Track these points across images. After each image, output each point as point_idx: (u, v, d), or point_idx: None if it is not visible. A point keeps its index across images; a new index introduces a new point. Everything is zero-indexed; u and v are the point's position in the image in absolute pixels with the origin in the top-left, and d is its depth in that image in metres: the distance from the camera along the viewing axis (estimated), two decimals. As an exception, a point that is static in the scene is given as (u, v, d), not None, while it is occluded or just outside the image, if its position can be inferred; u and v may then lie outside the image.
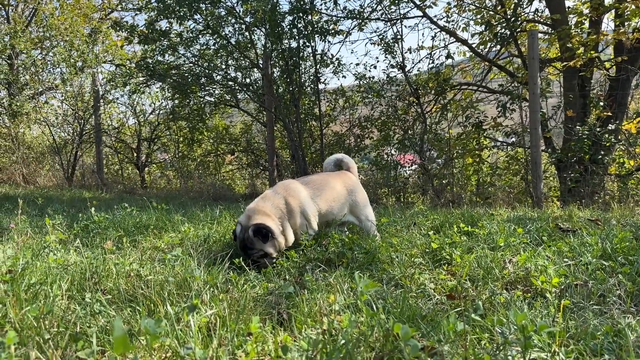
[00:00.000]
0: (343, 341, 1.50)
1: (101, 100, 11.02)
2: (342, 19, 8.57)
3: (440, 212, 4.70)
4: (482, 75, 8.84)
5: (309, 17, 7.97)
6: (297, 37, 7.99)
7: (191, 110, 10.26)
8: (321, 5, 8.26)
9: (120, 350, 1.17)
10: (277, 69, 8.70)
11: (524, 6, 7.95)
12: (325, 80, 9.05)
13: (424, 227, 3.84)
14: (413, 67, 8.70)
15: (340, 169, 3.86)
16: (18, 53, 12.46)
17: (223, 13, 8.13)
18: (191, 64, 9.08)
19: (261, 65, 8.61)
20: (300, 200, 3.18)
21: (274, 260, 2.92)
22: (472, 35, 8.38)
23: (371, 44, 8.74)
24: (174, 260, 2.54)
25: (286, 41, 8.23)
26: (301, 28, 7.85)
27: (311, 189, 3.31)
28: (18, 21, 12.65)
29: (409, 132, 8.50)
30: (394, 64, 8.37)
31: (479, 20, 8.16)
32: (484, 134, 8.00)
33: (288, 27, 7.88)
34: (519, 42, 7.86)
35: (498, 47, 8.22)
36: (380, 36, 8.43)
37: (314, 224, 3.24)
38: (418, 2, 8.35)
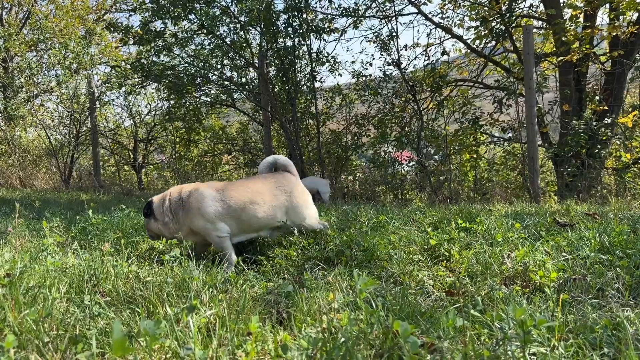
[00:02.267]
0: (343, 339, 1.50)
1: (97, 102, 10.98)
2: (337, 16, 8.58)
3: (438, 209, 4.70)
4: (478, 71, 8.85)
5: (304, 15, 7.96)
6: (292, 36, 7.98)
7: (187, 111, 10.24)
8: (316, 3, 8.29)
9: (119, 353, 1.16)
10: (273, 68, 8.69)
11: (519, 1, 7.96)
12: (321, 78, 9.03)
13: (422, 224, 3.84)
14: (409, 64, 8.72)
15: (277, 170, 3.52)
16: (12, 56, 12.42)
17: (217, 13, 8.11)
18: (186, 64, 9.05)
19: (257, 65, 8.59)
20: (203, 202, 3.02)
21: (153, 238, 3.25)
22: (467, 29, 8.33)
23: (367, 41, 8.75)
24: (173, 261, 2.53)
25: (281, 40, 8.21)
26: (296, 26, 7.85)
27: (221, 191, 3.10)
28: (12, 24, 12.60)
29: (406, 129, 8.50)
30: (390, 62, 8.38)
31: (474, 17, 8.17)
32: (481, 130, 8.01)
33: (283, 25, 7.87)
34: (514, 37, 7.87)
35: (493, 42, 8.22)
36: (376, 34, 8.43)
37: (219, 226, 3.04)
38: (413, -1, 8.36)
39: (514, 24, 7.78)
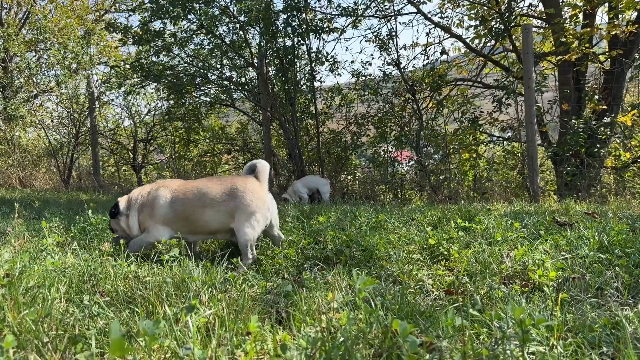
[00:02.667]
0: (342, 339, 1.50)
1: (96, 102, 10.97)
2: (336, 16, 8.58)
3: (437, 208, 4.70)
4: (477, 70, 8.85)
5: (303, 15, 7.96)
6: (291, 35, 7.98)
7: (187, 111, 10.24)
8: (315, 3, 8.28)
9: (118, 353, 1.17)
10: (272, 67, 8.68)
11: (518, 1, 7.96)
12: (320, 78, 9.02)
13: (422, 224, 3.84)
14: (408, 64, 8.72)
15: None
16: (12, 56, 12.41)
17: (217, 12, 8.11)
18: (186, 64, 9.05)
19: (256, 64, 8.59)
20: (154, 203, 3.15)
21: (117, 238, 3.30)
22: (467, 29, 8.33)
23: (366, 41, 8.74)
24: (172, 260, 2.54)
25: (281, 39, 8.21)
26: (295, 26, 7.84)
27: (175, 191, 3.15)
28: (11, 24, 12.59)
29: (406, 129, 8.50)
30: (389, 61, 8.38)
31: (473, 16, 8.17)
32: (480, 129, 8.01)
33: (282, 25, 7.87)
34: (513, 36, 7.87)
35: (493, 42, 8.22)
36: (375, 33, 8.43)
37: (160, 230, 3.13)
38: (412, -2, 8.35)
39: (513, 23, 7.78)
